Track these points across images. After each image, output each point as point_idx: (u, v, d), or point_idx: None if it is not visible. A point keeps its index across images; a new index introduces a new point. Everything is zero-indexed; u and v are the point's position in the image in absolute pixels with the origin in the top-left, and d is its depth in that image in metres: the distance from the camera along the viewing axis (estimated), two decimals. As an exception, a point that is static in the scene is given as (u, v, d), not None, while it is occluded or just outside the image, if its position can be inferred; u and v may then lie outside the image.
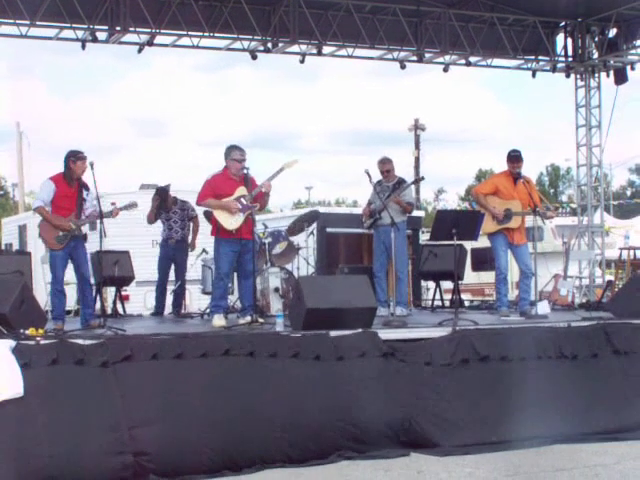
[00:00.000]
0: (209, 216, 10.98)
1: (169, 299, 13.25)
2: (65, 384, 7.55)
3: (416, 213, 19.12)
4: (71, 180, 9.92)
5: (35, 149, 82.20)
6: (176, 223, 12.95)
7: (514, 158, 11.39)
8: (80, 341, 7.92)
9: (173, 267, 13.09)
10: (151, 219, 13.16)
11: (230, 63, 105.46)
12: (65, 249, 9.92)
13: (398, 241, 10.87)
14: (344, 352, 8.57)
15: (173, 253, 12.97)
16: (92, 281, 10.83)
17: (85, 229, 10.47)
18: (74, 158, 9.88)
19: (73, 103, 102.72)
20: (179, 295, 13.14)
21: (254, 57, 14.69)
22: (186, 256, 13.09)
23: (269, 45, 14.67)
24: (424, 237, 18.96)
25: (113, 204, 10.32)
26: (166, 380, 7.92)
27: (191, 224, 13.11)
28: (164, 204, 12.95)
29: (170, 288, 13.23)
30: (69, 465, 7.24)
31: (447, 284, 14.88)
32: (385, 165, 11.94)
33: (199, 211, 12.45)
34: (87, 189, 10.03)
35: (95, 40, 13.60)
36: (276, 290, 11.57)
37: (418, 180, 12.89)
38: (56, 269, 9.97)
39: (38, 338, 7.88)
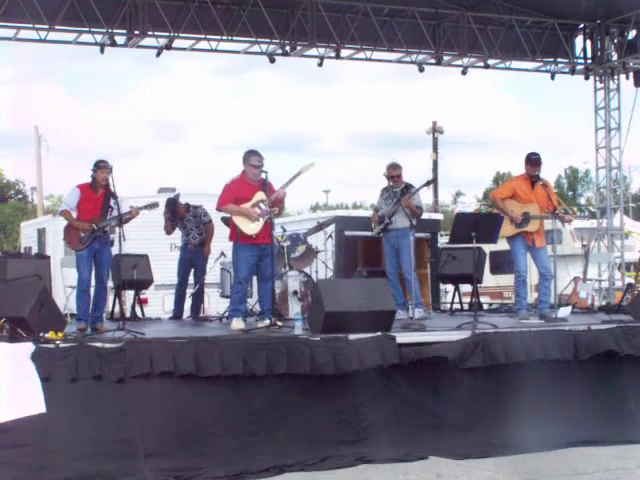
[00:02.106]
0: (227, 221, 10.99)
1: (188, 302, 13.28)
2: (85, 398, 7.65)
3: (435, 216, 19.10)
4: (96, 188, 10.13)
5: (54, 153, 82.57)
6: (192, 230, 12.98)
7: (534, 161, 11.31)
8: (99, 344, 7.95)
9: (192, 271, 13.13)
10: (169, 231, 13.25)
11: (250, 67, 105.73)
12: (89, 250, 10.02)
13: (409, 246, 10.78)
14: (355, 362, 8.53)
15: (192, 257, 13.01)
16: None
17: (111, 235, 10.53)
18: (95, 167, 10.14)
19: (92, 107, 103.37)
20: (198, 299, 13.18)
21: (272, 60, 14.72)
22: (205, 260, 13.11)
23: (287, 48, 14.68)
24: (443, 240, 18.93)
25: (131, 207, 10.36)
26: (183, 394, 8.00)
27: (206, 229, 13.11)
28: (176, 214, 13.00)
29: (189, 292, 13.26)
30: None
31: (466, 287, 14.83)
32: (396, 170, 11.92)
33: (215, 216, 12.46)
34: (115, 197, 10.14)
35: (114, 44, 13.69)
36: (295, 293, 11.56)
37: (429, 182, 12.81)
38: (80, 270, 10.06)
39: (57, 341, 7.91)
